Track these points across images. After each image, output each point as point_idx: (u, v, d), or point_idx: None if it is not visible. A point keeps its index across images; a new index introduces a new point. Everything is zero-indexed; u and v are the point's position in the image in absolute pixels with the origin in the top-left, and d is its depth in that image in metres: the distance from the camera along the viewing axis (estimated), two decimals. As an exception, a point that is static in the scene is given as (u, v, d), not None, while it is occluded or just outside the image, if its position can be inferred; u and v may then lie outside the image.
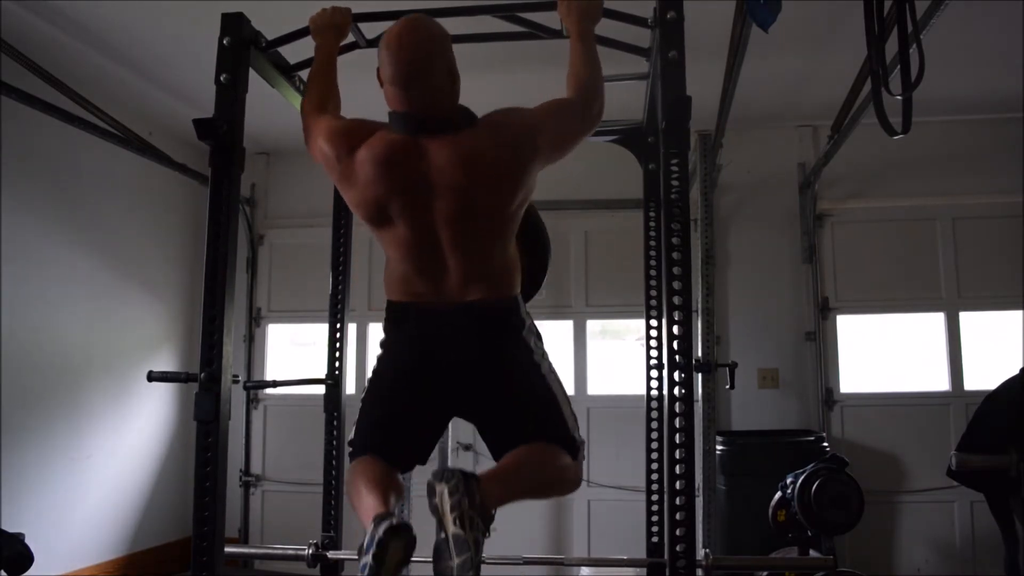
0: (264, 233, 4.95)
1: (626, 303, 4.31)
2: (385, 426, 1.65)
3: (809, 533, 2.88)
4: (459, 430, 4.31)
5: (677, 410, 1.61)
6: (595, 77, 1.73)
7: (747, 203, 4.43)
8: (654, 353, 2.62)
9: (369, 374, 1.72)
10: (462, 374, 1.61)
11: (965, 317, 4.23)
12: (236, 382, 1.78)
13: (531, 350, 1.65)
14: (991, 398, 2.88)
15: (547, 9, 1.89)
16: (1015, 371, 2.86)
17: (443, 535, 1.34)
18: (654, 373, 2.63)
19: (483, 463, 4.33)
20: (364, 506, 1.47)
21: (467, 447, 4.43)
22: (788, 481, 2.96)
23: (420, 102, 1.56)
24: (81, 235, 3.85)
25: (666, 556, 1.62)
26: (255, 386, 4.52)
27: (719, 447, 3.95)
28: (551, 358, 1.73)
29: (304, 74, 2.17)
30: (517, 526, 4.22)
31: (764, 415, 4.24)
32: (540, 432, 1.60)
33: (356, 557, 1.32)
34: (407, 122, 1.58)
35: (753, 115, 4.11)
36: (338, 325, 2.54)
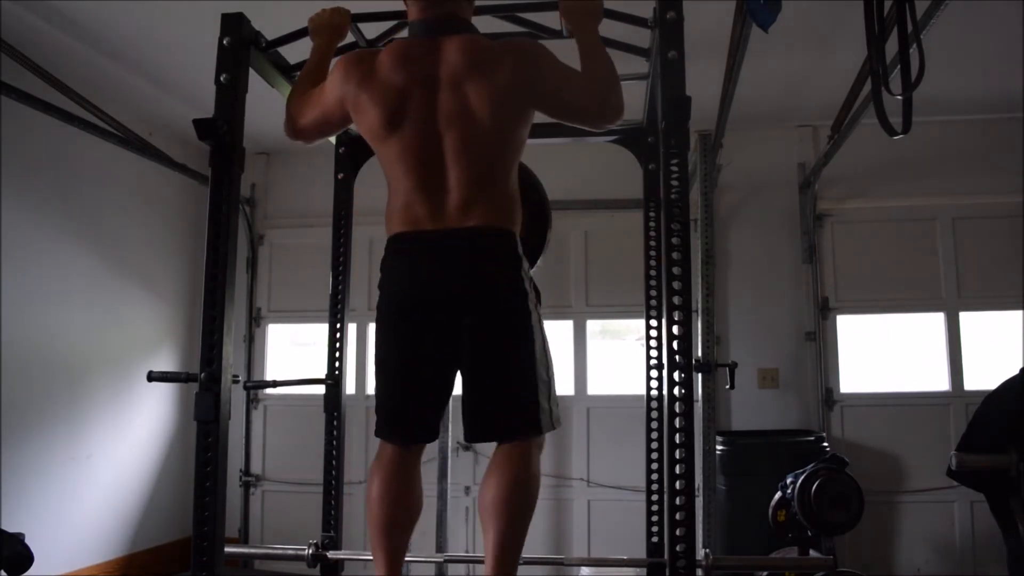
0: (264, 233, 4.95)
1: (626, 303, 4.32)
2: (396, 397, 1.69)
3: (809, 533, 2.87)
4: (460, 430, 4.30)
5: (677, 410, 1.61)
6: (607, 76, 1.74)
7: (747, 203, 4.43)
8: (654, 353, 2.62)
9: (375, 312, 1.74)
10: (456, 304, 1.61)
11: (965, 317, 4.23)
12: (236, 382, 1.78)
13: (525, 294, 1.66)
14: (991, 398, 2.87)
15: (547, 9, 1.89)
16: (1015, 371, 2.85)
17: None
18: (654, 373, 2.63)
19: (482, 464, 4.33)
20: (373, 549, 1.62)
21: (467, 447, 4.43)
22: (788, 481, 2.96)
23: (440, 10, 1.72)
24: (81, 235, 3.85)
25: (666, 556, 1.62)
26: (255, 386, 4.52)
27: (719, 447, 3.95)
28: (540, 312, 1.74)
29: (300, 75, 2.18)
30: (517, 526, 4.22)
31: (764, 415, 4.24)
32: (512, 412, 1.62)
33: (356, 557, 1.33)
34: (426, 25, 1.72)
35: (753, 115, 4.11)
36: (338, 325, 2.54)
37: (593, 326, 4.60)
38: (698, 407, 3.93)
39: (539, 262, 2.48)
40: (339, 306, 2.55)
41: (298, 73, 2.14)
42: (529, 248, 1.83)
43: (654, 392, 2.63)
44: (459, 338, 1.63)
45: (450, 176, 1.63)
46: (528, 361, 1.64)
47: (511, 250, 1.66)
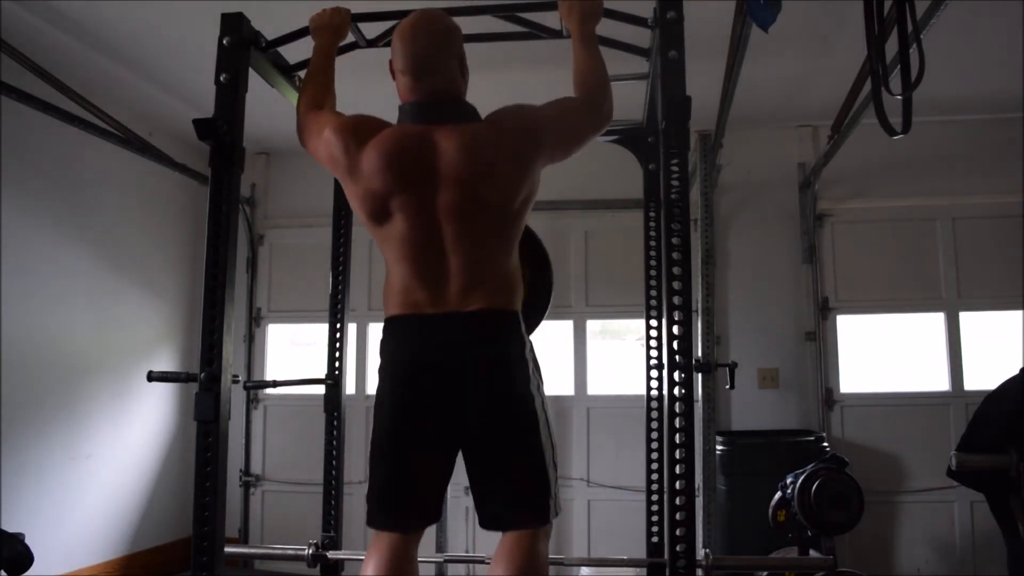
0: (264, 233, 4.95)
1: (626, 303, 4.31)
2: (393, 481, 1.61)
3: (809, 533, 2.87)
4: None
5: (677, 410, 1.61)
6: (601, 77, 1.73)
7: (747, 203, 4.43)
8: (654, 353, 2.62)
9: (373, 399, 1.67)
10: (460, 389, 1.56)
11: (965, 317, 4.23)
12: (236, 382, 1.78)
13: (528, 378, 1.60)
14: (991, 398, 2.87)
15: (547, 9, 1.89)
16: (1015, 371, 2.85)
17: None
18: (654, 373, 2.63)
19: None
20: None
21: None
22: (788, 481, 2.96)
23: (431, 89, 1.62)
24: (81, 235, 3.85)
25: (666, 556, 1.62)
26: (255, 386, 4.52)
27: (719, 447, 3.95)
28: (544, 390, 1.67)
29: (304, 74, 2.18)
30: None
31: (764, 415, 4.24)
32: (522, 504, 1.56)
33: (356, 557, 1.33)
34: (418, 110, 1.63)
35: (753, 115, 4.11)
36: (338, 325, 2.55)
37: (593, 326, 4.60)
38: (698, 407, 3.92)
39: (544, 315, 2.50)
40: (339, 306, 2.55)
41: (298, 74, 2.15)
42: (532, 308, 1.80)
43: (654, 392, 2.64)
44: (462, 420, 1.57)
45: (451, 260, 1.58)
46: (537, 451, 1.57)
47: (514, 332, 1.61)
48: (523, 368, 1.61)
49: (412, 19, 1.66)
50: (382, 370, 1.64)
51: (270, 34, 1.94)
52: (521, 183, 1.60)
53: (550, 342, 4.56)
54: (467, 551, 4.28)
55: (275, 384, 2.60)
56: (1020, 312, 4.06)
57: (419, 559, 1.66)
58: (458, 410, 1.57)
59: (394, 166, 1.57)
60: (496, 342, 1.59)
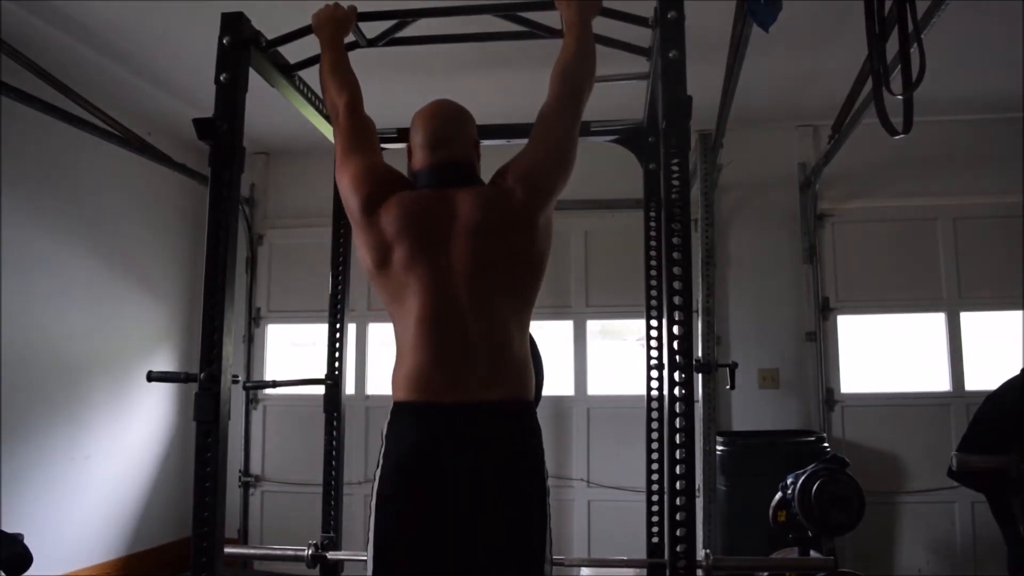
0: (264, 233, 4.95)
1: (626, 303, 4.31)
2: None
3: (810, 533, 2.87)
4: None
5: (677, 410, 1.60)
6: (587, 70, 1.71)
7: (747, 203, 4.43)
8: (654, 353, 2.62)
9: (374, 493, 1.49)
10: (478, 478, 1.44)
11: (965, 317, 4.23)
12: (236, 382, 1.78)
13: (544, 474, 1.51)
14: (992, 398, 2.87)
15: (547, 9, 1.89)
16: (1015, 371, 2.85)
17: None
18: (654, 373, 2.63)
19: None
20: None
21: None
22: (788, 481, 2.95)
23: (447, 156, 1.64)
24: (81, 235, 3.85)
25: (666, 556, 1.62)
26: (255, 386, 4.52)
27: (719, 447, 3.95)
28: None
29: (304, 74, 2.18)
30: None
31: (764, 415, 4.24)
32: None
33: (355, 558, 1.31)
34: (435, 172, 1.63)
35: (753, 115, 4.11)
36: (338, 325, 2.54)
37: (593, 326, 4.60)
38: (698, 407, 3.92)
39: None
40: (339, 306, 2.55)
41: (298, 74, 2.15)
42: None
43: (654, 392, 2.63)
44: (473, 520, 1.43)
45: (470, 333, 1.49)
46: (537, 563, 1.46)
47: (534, 423, 1.53)
48: (540, 465, 1.51)
49: (431, 104, 1.72)
50: (387, 462, 1.48)
51: (270, 34, 1.94)
52: (534, 232, 1.57)
53: (550, 342, 4.56)
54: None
55: (275, 384, 2.60)
56: (1020, 312, 4.06)
57: None
58: (471, 504, 1.43)
59: (413, 227, 1.54)
60: (516, 439, 1.49)
